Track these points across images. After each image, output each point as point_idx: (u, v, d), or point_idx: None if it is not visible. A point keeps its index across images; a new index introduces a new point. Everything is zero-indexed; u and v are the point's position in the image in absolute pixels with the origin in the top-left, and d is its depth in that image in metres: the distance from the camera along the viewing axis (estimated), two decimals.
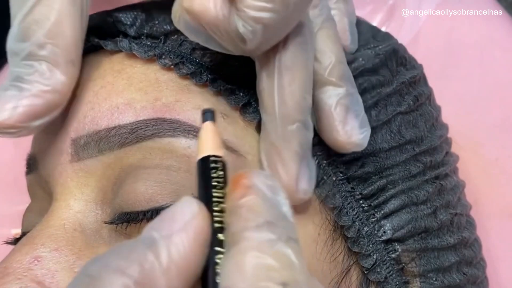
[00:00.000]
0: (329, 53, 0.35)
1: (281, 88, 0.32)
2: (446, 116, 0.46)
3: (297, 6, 0.31)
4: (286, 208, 0.26)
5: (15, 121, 0.32)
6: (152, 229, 0.25)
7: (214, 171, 0.27)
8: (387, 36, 0.44)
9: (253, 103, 0.36)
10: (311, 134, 0.34)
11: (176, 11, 0.33)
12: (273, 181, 0.27)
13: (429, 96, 0.43)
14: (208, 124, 0.29)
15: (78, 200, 0.35)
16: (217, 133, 0.29)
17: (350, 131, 0.34)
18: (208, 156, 0.28)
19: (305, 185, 0.33)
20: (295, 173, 0.33)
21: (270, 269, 0.23)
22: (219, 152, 0.28)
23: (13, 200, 0.57)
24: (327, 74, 0.35)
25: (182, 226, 0.25)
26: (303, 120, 0.33)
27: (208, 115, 0.29)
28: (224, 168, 0.28)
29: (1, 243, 0.40)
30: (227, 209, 0.26)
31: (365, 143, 0.35)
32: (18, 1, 0.34)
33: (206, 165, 0.28)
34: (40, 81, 0.33)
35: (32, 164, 0.38)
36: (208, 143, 0.28)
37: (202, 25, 0.31)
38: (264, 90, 0.33)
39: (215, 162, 0.28)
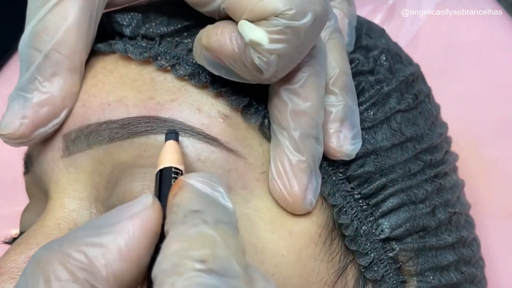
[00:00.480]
0: (334, 64, 0.36)
1: (296, 106, 0.34)
2: (446, 116, 0.46)
3: (309, 35, 0.32)
4: (222, 198, 0.28)
5: (23, 131, 0.34)
6: (102, 217, 0.27)
7: (173, 180, 0.29)
8: (381, 32, 0.44)
9: (254, 103, 0.36)
10: (322, 148, 0.35)
11: (197, 48, 0.34)
12: (206, 176, 0.28)
13: (428, 94, 0.43)
14: (171, 142, 0.31)
15: (71, 198, 0.35)
16: (179, 152, 0.31)
17: (342, 140, 0.36)
18: (170, 167, 0.30)
19: (312, 196, 0.35)
20: (305, 184, 0.34)
21: (190, 249, 0.24)
22: (180, 166, 0.30)
23: (13, 200, 0.57)
24: (331, 84, 0.36)
25: (131, 215, 0.26)
26: (316, 135, 0.34)
27: (171, 135, 0.31)
28: None
29: (0, 243, 0.40)
30: (166, 211, 0.27)
31: (353, 155, 0.36)
32: (34, 7, 0.35)
33: (167, 174, 0.29)
34: (40, 89, 0.34)
35: (28, 163, 0.38)
36: (170, 156, 0.30)
37: (221, 59, 0.33)
38: (278, 105, 0.34)
39: (176, 173, 0.29)
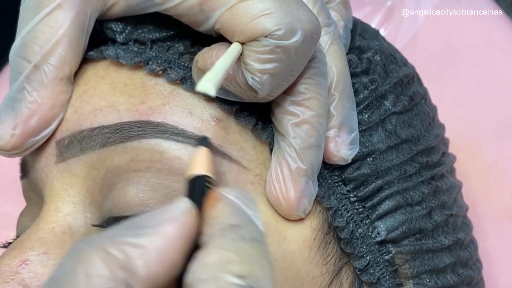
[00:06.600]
0: (334, 69, 0.36)
1: (297, 115, 0.34)
2: (445, 117, 0.45)
3: (300, 52, 0.32)
4: (254, 217, 0.28)
5: (15, 142, 0.34)
6: (141, 218, 0.27)
7: (206, 189, 0.29)
8: (375, 33, 0.44)
9: (247, 106, 0.36)
10: (322, 156, 0.36)
11: (194, 71, 0.35)
12: (239, 192, 0.28)
13: (425, 95, 0.43)
14: (204, 149, 0.31)
15: (66, 202, 0.35)
16: (212, 160, 0.31)
17: (340, 145, 0.36)
18: (204, 176, 0.30)
19: (307, 203, 0.35)
20: (301, 191, 0.34)
21: (230, 263, 0.25)
22: (213, 176, 0.30)
23: (13, 202, 0.57)
24: (333, 88, 0.36)
25: (170, 218, 0.26)
26: (317, 144, 0.35)
27: (203, 141, 0.31)
28: None
29: None
30: (202, 221, 0.27)
31: (349, 159, 0.37)
32: (26, 16, 0.35)
33: (200, 183, 0.29)
34: (28, 99, 0.34)
35: (24, 169, 0.38)
36: (203, 164, 0.30)
37: None
38: (279, 115, 0.35)
39: (209, 182, 0.29)
